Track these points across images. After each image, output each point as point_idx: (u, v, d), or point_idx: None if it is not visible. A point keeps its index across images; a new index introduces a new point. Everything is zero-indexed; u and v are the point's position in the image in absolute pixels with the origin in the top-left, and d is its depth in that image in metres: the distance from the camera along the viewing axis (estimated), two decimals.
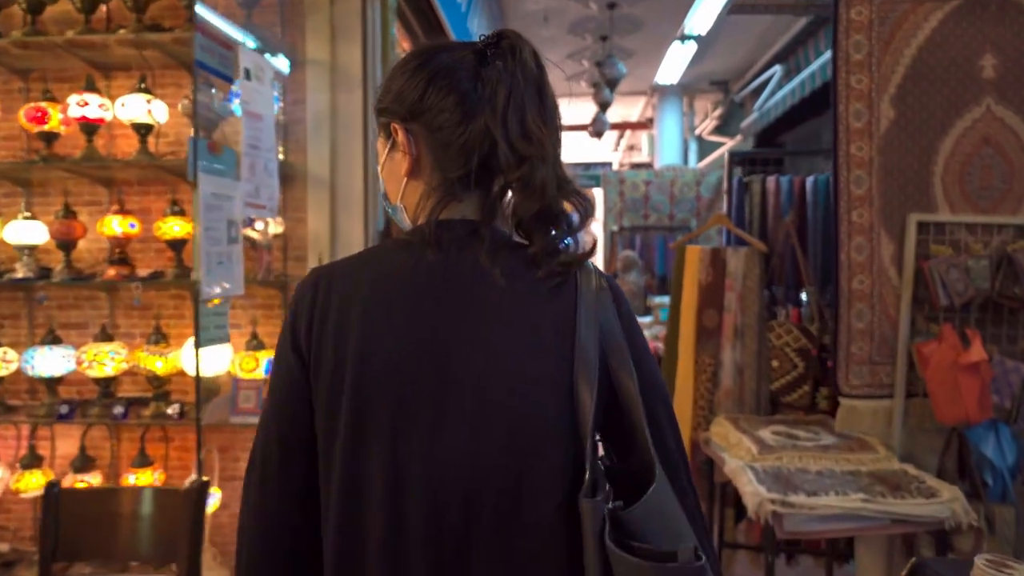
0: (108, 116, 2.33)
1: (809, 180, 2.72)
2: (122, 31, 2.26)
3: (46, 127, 2.32)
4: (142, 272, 2.45)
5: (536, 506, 0.72)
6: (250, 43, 2.23)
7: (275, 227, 2.44)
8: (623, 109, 9.58)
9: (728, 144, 7.51)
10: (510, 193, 0.80)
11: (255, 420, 2.29)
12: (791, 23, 5.70)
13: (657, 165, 8.59)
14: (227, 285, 1.72)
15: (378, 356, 0.73)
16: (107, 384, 2.39)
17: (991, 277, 2.05)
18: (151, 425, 2.41)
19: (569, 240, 0.80)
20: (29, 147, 2.55)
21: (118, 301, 2.61)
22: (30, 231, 2.35)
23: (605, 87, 6.08)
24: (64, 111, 2.32)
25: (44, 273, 2.38)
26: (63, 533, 1.46)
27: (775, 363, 2.60)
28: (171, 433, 2.51)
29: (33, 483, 2.35)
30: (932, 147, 2.14)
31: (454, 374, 0.73)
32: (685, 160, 8.99)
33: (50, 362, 2.33)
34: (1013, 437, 2.01)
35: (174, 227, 2.31)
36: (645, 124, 9.91)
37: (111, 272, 2.34)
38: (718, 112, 8.35)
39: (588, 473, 0.72)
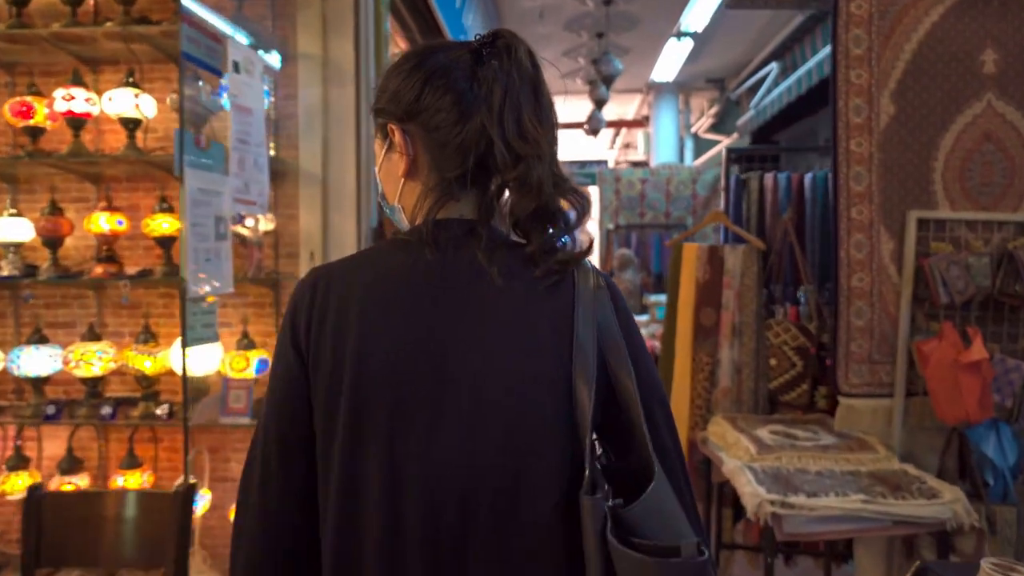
0: (95, 111, 2.29)
1: (807, 177, 2.69)
2: (109, 24, 2.22)
3: (31, 122, 2.27)
4: (130, 270, 2.40)
5: (533, 505, 0.72)
6: (241, 38, 2.19)
7: (266, 224, 2.40)
8: (619, 107, 9.55)
9: (724, 142, 7.49)
10: (507, 192, 0.80)
11: (245, 421, 2.27)
12: (787, 20, 5.67)
13: (653, 163, 8.56)
14: (216, 283, 1.68)
15: (376, 356, 0.73)
16: (95, 384, 2.35)
17: (992, 275, 2.03)
18: (140, 426, 2.37)
19: (567, 239, 0.80)
20: (15, 142, 2.50)
21: (106, 300, 2.56)
22: (16, 228, 2.30)
23: (601, 84, 6.05)
24: (50, 106, 2.27)
25: (30, 271, 2.33)
26: (47, 538, 1.42)
27: (773, 362, 2.57)
28: (160, 434, 2.47)
29: (19, 485, 2.30)
30: (932, 143, 2.12)
31: (451, 373, 0.73)
32: (681, 158, 8.98)
33: (36, 362, 2.28)
34: (1014, 436, 1.98)
35: (163, 224, 2.27)
36: (641, 122, 9.88)
37: (98, 270, 2.30)
38: (714, 110, 8.33)
39: (587, 471, 0.71)
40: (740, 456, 2.06)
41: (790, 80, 5.28)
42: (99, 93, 2.30)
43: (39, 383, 2.33)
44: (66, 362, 2.28)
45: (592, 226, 7.80)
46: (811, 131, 6.24)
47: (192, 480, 2.21)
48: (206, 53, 1.66)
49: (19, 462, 2.36)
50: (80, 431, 2.48)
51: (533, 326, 0.75)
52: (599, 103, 6.61)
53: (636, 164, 10.10)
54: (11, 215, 2.31)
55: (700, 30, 6.18)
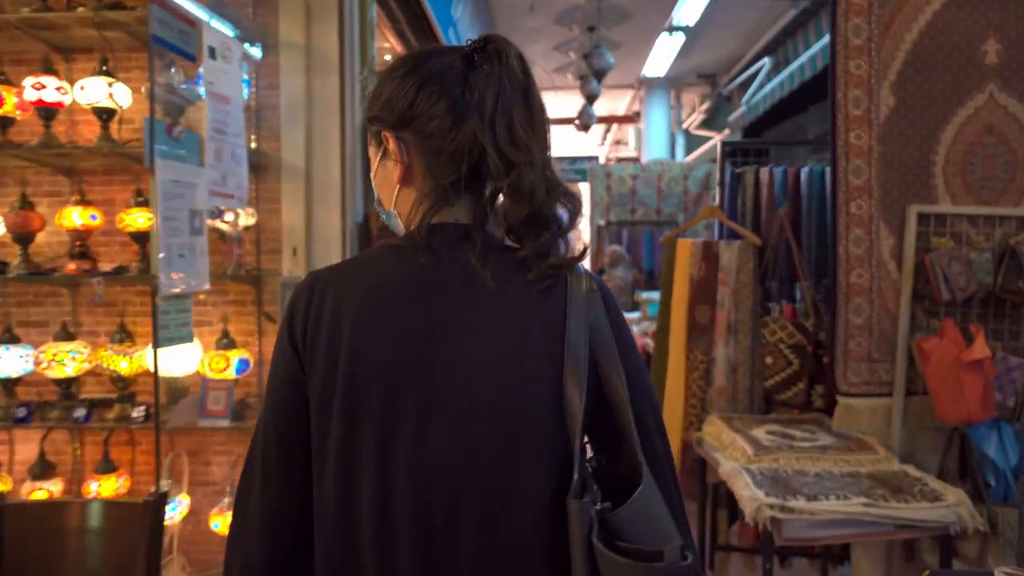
0: (67, 100, 2.20)
1: (804, 171, 2.64)
2: (81, 9, 2.13)
3: (0, 112, 2.17)
4: (106, 267, 2.32)
5: (524, 507, 0.73)
6: (219, 25, 2.10)
7: (246, 218, 2.32)
8: (610, 103, 9.48)
9: (716, 138, 7.45)
10: (501, 196, 0.80)
11: (225, 423, 2.19)
12: (780, 15, 5.63)
13: (644, 159, 8.51)
14: (191, 280, 1.59)
15: (368, 359, 0.74)
16: (68, 385, 2.26)
17: (993, 271, 1.98)
18: (115, 429, 2.28)
19: (560, 243, 0.81)
20: None
21: (81, 297, 2.47)
22: None
23: (592, 78, 5.98)
24: (19, 95, 2.18)
25: (0, 268, 2.23)
26: (8, 551, 1.34)
27: (769, 360, 2.52)
28: (138, 437, 2.39)
29: None
30: (933, 136, 2.06)
31: (443, 376, 0.74)
32: (672, 154, 8.93)
33: (7, 362, 2.19)
34: (1016, 436, 1.94)
35: (138, 219, 2.18)
36: (632, 118, 9.82)
37: (71, 267, 2.21)
38: (705, 106, 8.29)
39: (576, 474, 0.72)
40: (737, 457, 2.01)
41: (783, 75, 5.24)
42: (72, 82, 2.21)
43: (10, 384, 2.24)
44: (38, 362, 2.19)
45: (583, 223, 7.73)
46: (800, 128, 6.21)
47: (167, 486, 2.13)
48: (179, 37, 1.58)
49: None
50: (54, 434, 2.39)
51: (526, 329, 0.76)
52: (590, 98, 6.54)
53: (627, 160, 10.06)
54: None
55: (692, 24, 6.12)
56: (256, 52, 2.39)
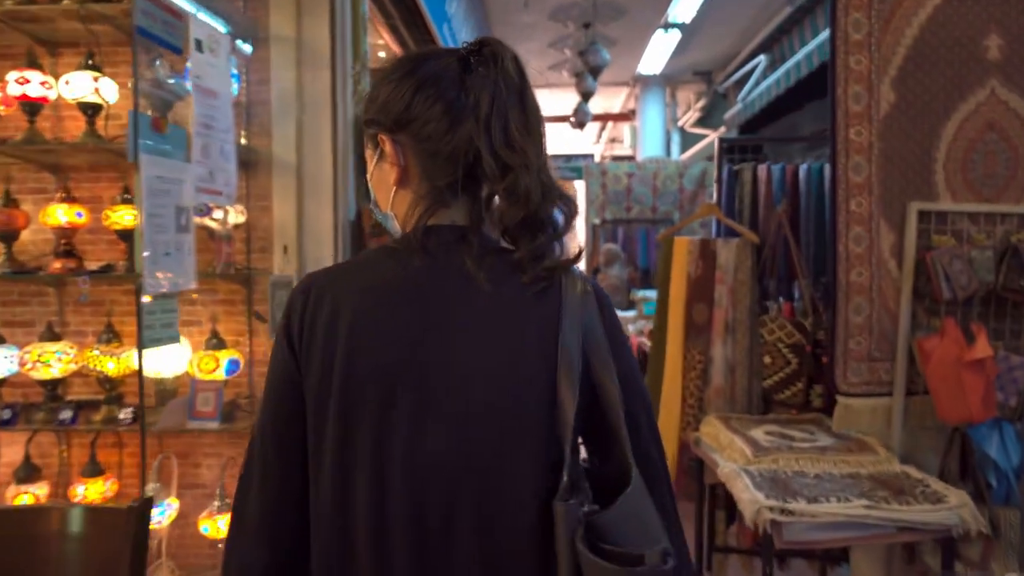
0: (52, 95, 2.14)
1: (802, 168, 2.61)
2: (66, 2, 2.07)
3: None
4: (92, 265, 2.27)
5: (519, 509, 0.73)
6: (211, 21, 2.05)
7: (236, 216, 2.27)
8: (605, 100, 9.45)
9: (711, 136, 7.43)
10: (497, 198, 0.80)
11: (214, 425, 2.14)
12: (776, 12, 5.60)
13: (639, 157, 8.48)
14: (177, 279, 1.55)
15: (364, 361, 0.74)
16: (54, 387, 2.21)
17: (995, 269, 1.95)
18: (102, 431, 2.23)
19: (556, 245, 0.81)
20: None
21: (67, 297, 2.42)
22: None
23: (588, 75, 5.94)
24: (3, 89, 2.12)
25: None
26: None
27: (767, 359, 2.49)
28: (125, 439, 2.34)
29: None
30: (934, 132, 2.04)
31: (439, 379, 0.74)
32: (668, 152, 8.90)
33: None
34: (1018, 437, 1.91)
35: (125, 216, 2.14)
36: (627, 115, 9.79)
37: (56, 265, 2.16)
38: (701, 103, 8.27)
39: (565, 476, 0.72)
40: (736, 459, 1.98)
41: (779, 72, 5.22)
42: (57, 77, 2.16)
43: None
44: (23, 363, 2.14)
45: (577, 221, 7.70)
46: (794, 126, 6.19)
47: (154, 490, 2.08)
48: (164, 29, 1.53)
49: None
50: (40, 436, 2.34)
51: (521, 331, 0.76)
52: (586, 95, 6.51)
53: (622, 158, 10.02)
54: None
55: (688, 21, 6.09)
56: (247, 48, 2.34)
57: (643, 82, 8.47)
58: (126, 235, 2.16)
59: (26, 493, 2.17)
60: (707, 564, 2.50)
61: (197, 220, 2.20)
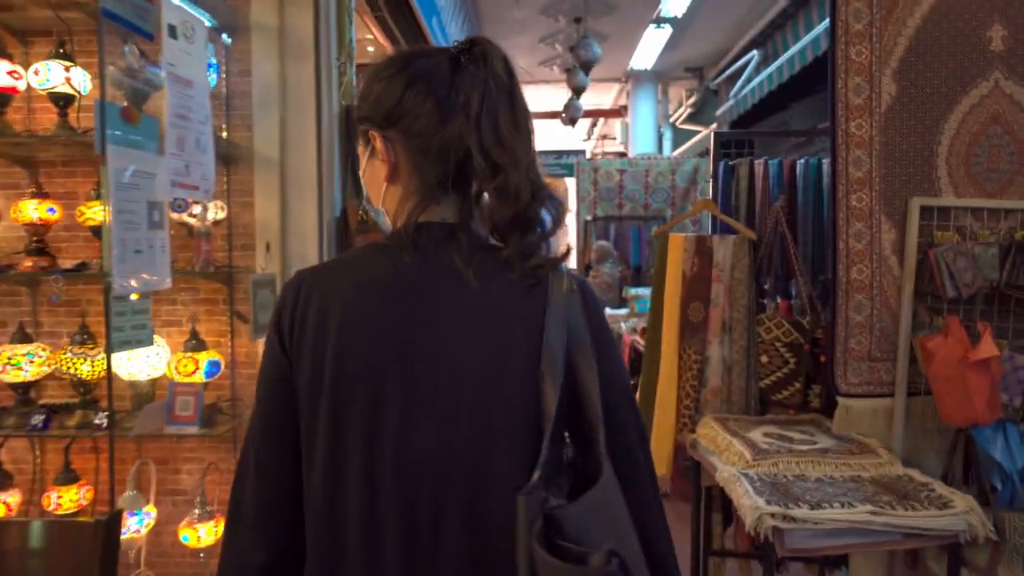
0: (21, 85, 2.05)
1: (800, 163, 2.55)
2: None
3: None
4: (67, 263, 2.18)
5: (506, 504, 0.71)
6: (193, 11, 1.96)
7: (216, 212, 2.18)
8: (596, 97, 9.39)
9: (703, 132, 7.38)
10: (487, 195, 0.81)
11: (194, 430, 2.06)
12: (769, 6, 5.55)
13: (631, 154, 8.43)
14: (151, 279, 1.47)
15: (354, 358, 0.75)
16: (25, 390, 2.12)
17: (999, 266, 1.90)
18: (77, 436, 2.14)
19: (544, 243, 0.81)
20: None
21: (41, 296, 2.33)
22: None
23: (579, 70, 5.88)
24: None
25: None
26: None
27: (764, 359, 2.43)
28: (101, 444, 2.25)
29: None
30: (936, 125, 1.98)
31: (428, 377, 0.75)
32: (660, 149, 8.86)
33: None
34: (1022, 439, 1.86)
35: (99, 212, 2.05)
36: (619, 112, 9.73)
37: (28, 264, 2.07)
38: (692, 100, 8.22)
39: (539, 471, 0.71)
40: (734, 462, 1.92)
41: (771, 68, 5.17)
42: (28, 67, 2.06)
43: None
44: None
45: (568, 218, 7.64)
46: (784, 124, 6.17)
47: (131, 497, 2.00)
48: (134, 13, 1.44)
49: None
50: (13, 441, 2.25)
51: (510, 329, 0.77)
52: (577, 91, 6.44)
53: (613, 155, 9.97)
54: None
55: (680, 15, 6.04)
56: (226, 37, 2.25)
57: (635, 78, 8.42)
58: (100, 232, 2.07)
59: None
60: (703, 568, 2.44)
61: (175, 216, 2.12)
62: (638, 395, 2.55)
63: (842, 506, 1.60)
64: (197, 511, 2.12)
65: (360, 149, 0.86)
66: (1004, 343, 1.93)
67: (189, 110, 1.58)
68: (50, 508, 2.09)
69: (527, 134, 0.80)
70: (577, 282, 0.82)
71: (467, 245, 0.78)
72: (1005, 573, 1.71)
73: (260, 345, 2.20)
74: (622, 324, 4.72)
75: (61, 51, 2.04)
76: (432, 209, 0.80)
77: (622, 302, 5.42)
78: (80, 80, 2.04)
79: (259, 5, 2.18)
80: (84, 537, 1.24)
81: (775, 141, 5.70)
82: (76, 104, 2.10)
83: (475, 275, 0.76)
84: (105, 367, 2.06)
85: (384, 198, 0.84)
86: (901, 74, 1.98)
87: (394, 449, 0.73)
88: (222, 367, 2.20)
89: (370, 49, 4.32)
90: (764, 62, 5.91)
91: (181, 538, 2.12)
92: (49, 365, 2.11)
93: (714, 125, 6.74)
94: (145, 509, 2.08)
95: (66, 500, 2.09)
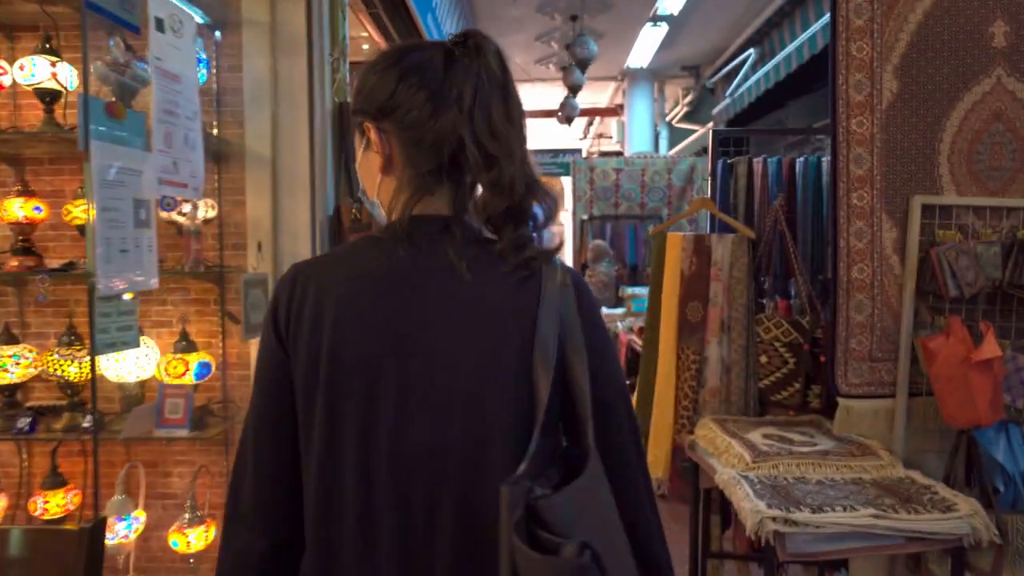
0: (7, 81, 2.01)
1: (799, 161, 2.53)
2: None
3: None
4: (54, 262, 2.13)
5: (498, 496, 0.70)
6: (188, 9, 1.92)
7: (206, 210, 2.14)
8: (592, 95, 9.35)
9: (700, 131, 7.36)
10: (481, 188, 0.81)
11: (184, 433, 2.02)
12: (766, 4, 5.53)
13: (627, 152, 8.40)
14: (137, 279, 1.43)
15: (350, 354, 0.75)
16: (11, 392, 2.08)
17: (1002, 265, 1.88)
18: (64, 439, 2.10)
19: (537, 235, 0.82)
20: None
21: (27, 296, 2.29)
22: None
23: (575, 68, 5.84)
24: None
25: None
26: None
27: (763, 359, 2.40)
28: (89, 447, 2.20)
29: None
30: (938, 123, 1.96)
31: (422, 370, 0.75)
32: (656, 147, 8.83)
33: None
34: None
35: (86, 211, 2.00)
36: (615, 110, 9.70)
37: (14, 263, 2.02)
38: (689, 98, 8.20)
39: (526, 461, 0.70)
40: (734, 464, 1.89)
41: (768, 66, 5.15)
42: (14, 63, 2.02)
43: None
44: None
45: (564, 217, 7.61)
46: (780, 122, 6.15)
47: (119, 501, 1.96)
48: (118, 5, 1.40)
49: None
50: (0, 445, 2.20)
51: (502, 321, 0.77)
52: (573, 89, 6.41)
53: (610, 154, 9.94)
54: None
55: (676, 13, 6.01)
56: (216, 32, 2.21)
57: (631, 76, 8.39)
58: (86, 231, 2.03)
59: None
60: (702, 570, 2.42)
61: (164, 215, 2.08)
62: (635, 395, 2.52)
63: (844, 509, 1.57)
64: (187, 516, 2.08)
65: (356, 142, 0.87)
66: (1007, 343, 1.91)
67: (177, 105, 1.54)
68: (37, 513, 2.05)
69: (520, 127, 0.80)
70: (571, 276, 0.82)
71: (461, 238, 0.79)
72: None
73: (252, 346, 2.17)
74: (619, 323, 4.69)
75: (47, 46, 1.99)
76: (426, 201, 0.81)
77: (618, 301, 5.39)
78: (66, 76, 2.00)
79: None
80: (68, 545, 1.21)
81: (770, 140, 5.67)
82: (63, 100, 2.05)
83: (469, 268, 0.76)
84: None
85: (379, 190, 0.84)
86: (902, 71, 1.95)
87: (389, 443, 0.74)
88: (213, 368, 2.16)
89: (365, 47, 4.28)
90: (761, 60, 5.89)
91: (171, 543, 2.08)
92: (36, 367, 2.07)
93: (710, 124, 6.71)
94: (134, 514, 2.04)
95: (53, 505, 2.05)
